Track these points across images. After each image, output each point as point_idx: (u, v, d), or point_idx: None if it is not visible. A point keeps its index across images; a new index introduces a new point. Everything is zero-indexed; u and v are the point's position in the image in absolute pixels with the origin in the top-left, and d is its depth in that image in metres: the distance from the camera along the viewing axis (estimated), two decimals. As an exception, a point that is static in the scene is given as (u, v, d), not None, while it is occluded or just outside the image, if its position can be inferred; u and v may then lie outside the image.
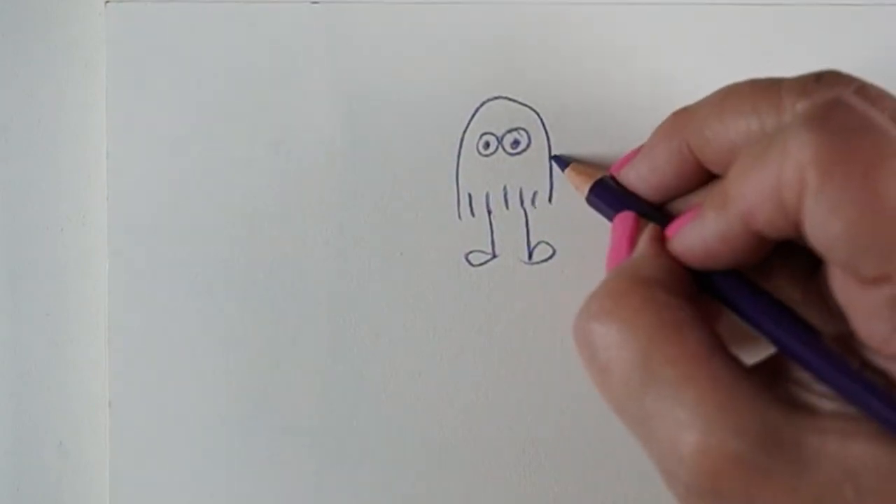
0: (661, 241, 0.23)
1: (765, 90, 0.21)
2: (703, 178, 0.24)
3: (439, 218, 0.30)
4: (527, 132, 0.29)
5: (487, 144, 0.30)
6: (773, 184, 0.19)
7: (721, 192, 0.21)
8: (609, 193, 0.26)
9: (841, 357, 0.20)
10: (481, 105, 0.30)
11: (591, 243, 0.29)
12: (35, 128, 0.31)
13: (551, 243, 0.29)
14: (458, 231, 0.30)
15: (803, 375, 0.20)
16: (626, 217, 0.25)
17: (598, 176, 0.27)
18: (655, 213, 0.25)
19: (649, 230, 0.24)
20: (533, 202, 0.29)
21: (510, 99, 0.30)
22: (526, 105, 0.30)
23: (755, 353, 0.22)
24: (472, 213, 0.30)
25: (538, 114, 0.29)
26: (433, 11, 0.30)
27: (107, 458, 0.30)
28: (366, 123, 0.30)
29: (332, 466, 0.30)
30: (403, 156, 0.30)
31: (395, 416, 0.30)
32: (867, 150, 0.18)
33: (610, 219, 0.26)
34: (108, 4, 0.30)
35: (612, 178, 0.27)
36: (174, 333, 0.30)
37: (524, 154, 0.29)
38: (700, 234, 0.22)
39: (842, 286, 0.20)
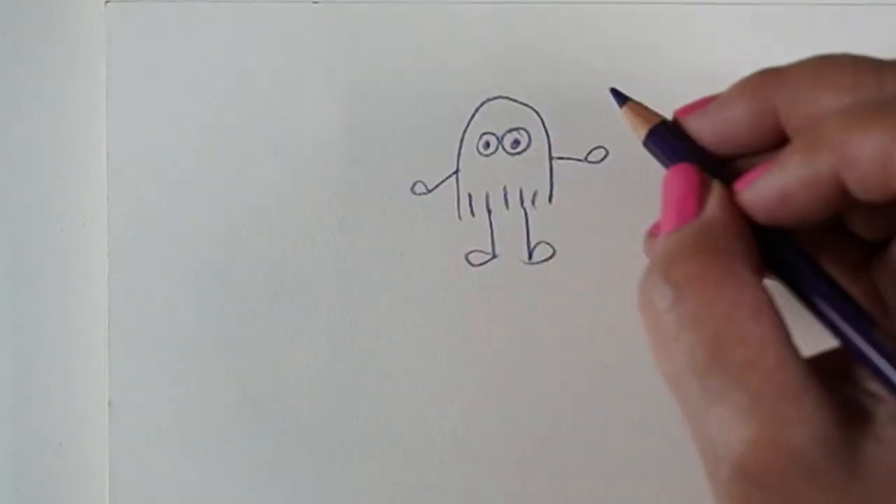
0: (732, 202, 0.22)
1: (866, 67, 0.20)
2: (776, 141, 0.23)
3: (439, 218, 0.30)
4: (527, 132, 0.29)
5: (487, 144, 0.30)
6: (886, 143, 0.18)
7: (814, 135, 0.20)
8: (670, 139, 0.24)
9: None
10: (481, 105, 0.30)
11: (591, 243, 0.29)
12: (35, 128, 0.31)
13: (551, 243, 0.29)
14: (458, 231, 0.30)
15: (860, 375, 0.20)
16: (687, 171, 0.23)
17: (659, 119, 0.25)
18: (717, 167, 0.23)
19: (719, 190, 0.22)
20: (533, 202, 0.29)
21: (510, 99, 0.30)
22: (526, 105, 0.29)
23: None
24: (472, 213, 0.30)
25: (538, 114, 0.29)
26: (433, 11, 0.30)
27: (107, 458, 0.30)
28: (366, 123, 0.30)
29: (332, 466, 0.30)
30: (403, 155, 0.30)
31: (395, 416, 0.30)
32: None
33: (666, 166, 0.24)
34: (108, 4, 0.30)
35: (675, 123, 0.25)
36: (174, 333, 0.30)
37: (524, 154, 0.29)
38: (779, 179, 0.20)
39: None
